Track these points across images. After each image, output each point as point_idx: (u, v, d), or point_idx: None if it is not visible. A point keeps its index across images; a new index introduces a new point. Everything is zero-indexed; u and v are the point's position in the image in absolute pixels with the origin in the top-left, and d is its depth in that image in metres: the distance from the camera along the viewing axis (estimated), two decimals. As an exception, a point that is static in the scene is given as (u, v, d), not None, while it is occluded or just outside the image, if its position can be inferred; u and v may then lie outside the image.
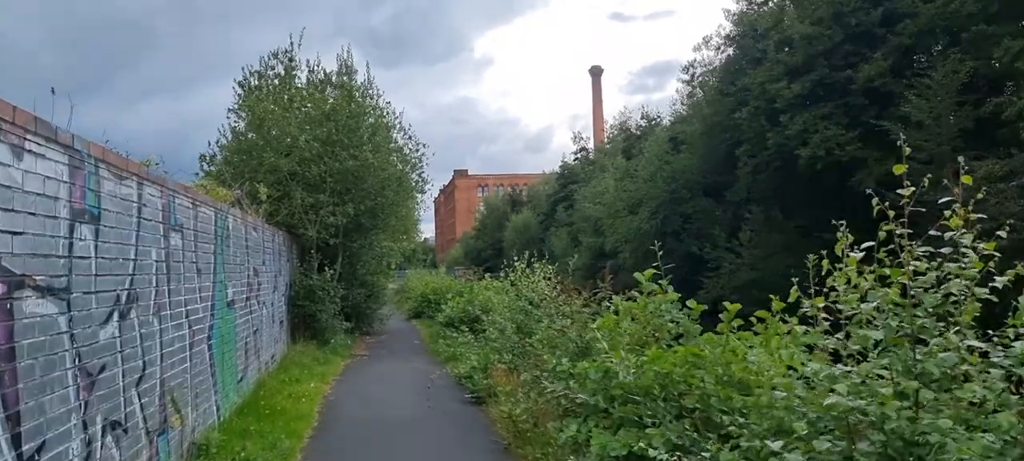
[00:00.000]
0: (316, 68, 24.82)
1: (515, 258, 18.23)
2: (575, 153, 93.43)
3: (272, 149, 21.14)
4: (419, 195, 27.14)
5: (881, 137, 36.05)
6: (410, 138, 26.14)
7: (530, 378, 13.13)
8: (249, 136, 22.59)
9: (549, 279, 17.64)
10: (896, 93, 33.20)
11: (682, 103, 58.28)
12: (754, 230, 40.93)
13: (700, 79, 55.97)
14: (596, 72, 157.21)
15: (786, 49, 37.95)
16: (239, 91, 22.96)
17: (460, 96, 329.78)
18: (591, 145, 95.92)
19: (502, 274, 18.30)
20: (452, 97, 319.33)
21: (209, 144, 22.70)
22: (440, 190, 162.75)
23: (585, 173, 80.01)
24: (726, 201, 45.33)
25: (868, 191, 5.77)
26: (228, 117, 22.57)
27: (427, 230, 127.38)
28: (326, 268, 22.10)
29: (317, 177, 21.47)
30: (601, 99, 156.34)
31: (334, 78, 24.63)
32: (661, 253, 9.96)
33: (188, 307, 9.29)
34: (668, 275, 9.35)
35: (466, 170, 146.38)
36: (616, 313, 10.26)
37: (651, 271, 9.94)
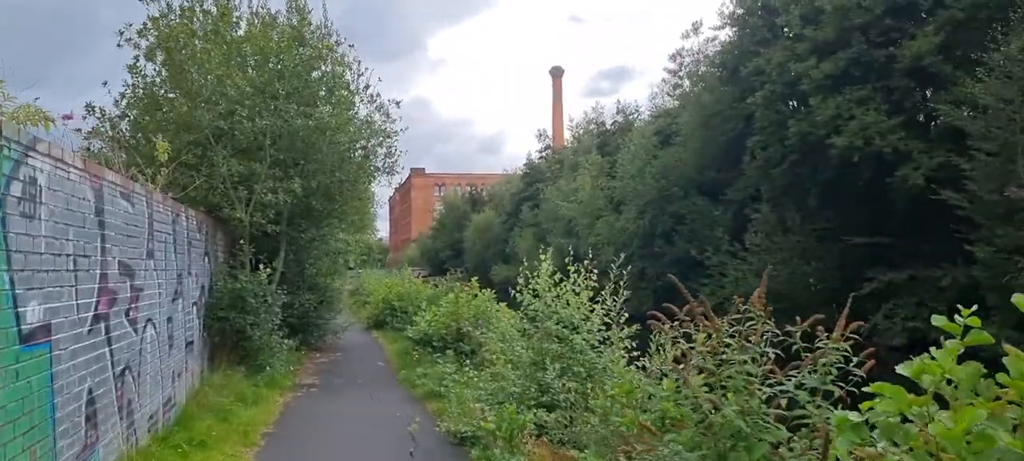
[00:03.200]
0: (260, 10, 18.20)
1: (541, 254, 12.26)
2: (541, 151, 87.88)
3: (186, 95, 14.71)
4: (387, 177, 20.59)
5: (928, 126, 30.78)
6: (378, 105, 19.58)
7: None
8: (163, 91, 16.08)
9: (595, 290, 11.64)
10: (946, 75, 27.88)
11: (668, 94, 52.73)
12: (763, 232, 35.32)
13: (688, 68, 50.53)
14: (557, 73, 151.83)
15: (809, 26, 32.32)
16: (147, 20, 16.10)
17: (414, 96, 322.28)
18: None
19: (517, 284, 12.21)
20: (405, 96, 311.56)
21: (112, 94, 15.89)
22: (395, 188, 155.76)
23: (552, 172, 74.35)
24: (726, 200, 39.75)
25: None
26: (120, 45, 15.69)
27: (380, 228, 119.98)
28: (263, 266, 15.68)
29: (251, 137, 15.03)
30: (561, 100, 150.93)
31: (281, 17, 18.11)
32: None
33: None
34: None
35: (423, 168, 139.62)
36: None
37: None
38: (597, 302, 11.43)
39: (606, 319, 11.21)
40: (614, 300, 10.81)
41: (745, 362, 5.95)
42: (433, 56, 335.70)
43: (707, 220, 40.44)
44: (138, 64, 15.50)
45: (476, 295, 18.91)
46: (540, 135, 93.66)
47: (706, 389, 6.01)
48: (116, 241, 8.00)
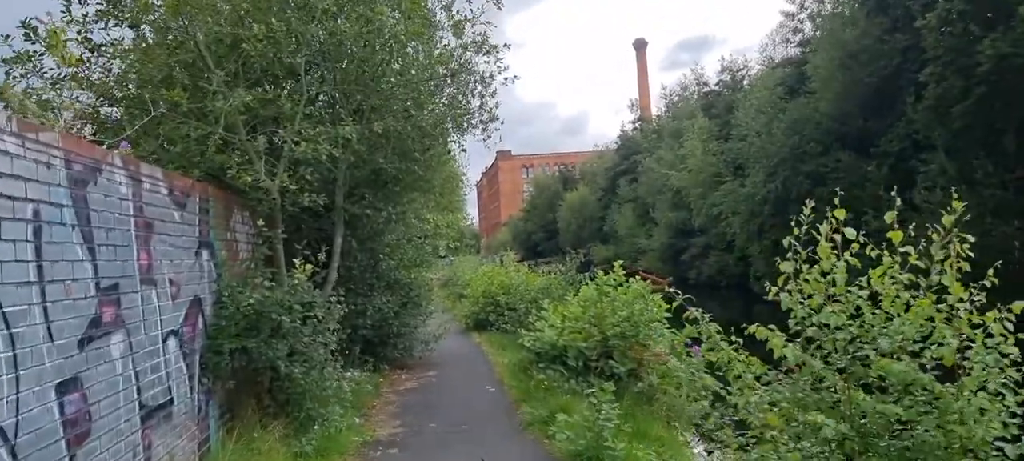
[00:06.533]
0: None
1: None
2: (634, 122, 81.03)
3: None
4: (482, 132, 14.22)
5: None
6: (475, 37, 13.25)
7: None
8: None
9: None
10: None
11: (788, 39, 45.27)
12: (940, 187, 27.90)
13: (810, 9, 43.03)
14: (640, 45, 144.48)
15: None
16: None
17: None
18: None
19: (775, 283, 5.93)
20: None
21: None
22: (482, 173, 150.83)
23: (649, 143, 67.48)
24: (879, 152, 32.34)
25: None
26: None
27: (470, 213, 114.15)
28: (298, 262, 9.68)
29: (271, 55, 9.04)
30: (646, 72, 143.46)
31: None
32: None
33: None
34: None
35: (509, 151, 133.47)
36: None
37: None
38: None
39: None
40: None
41: None
42: (511, 39, 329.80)
43: (855, 178, 33.07)
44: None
45: (620, 284, 12.57)
46: (632, 105, 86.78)
47: None
48: None
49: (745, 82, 52.36)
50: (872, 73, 31.89)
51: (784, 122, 36.68)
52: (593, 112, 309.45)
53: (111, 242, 5.83)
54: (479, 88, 13.53)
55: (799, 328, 5.68)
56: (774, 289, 5.75)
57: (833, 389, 5.36)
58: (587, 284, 13.40)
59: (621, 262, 13.33)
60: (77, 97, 9.43)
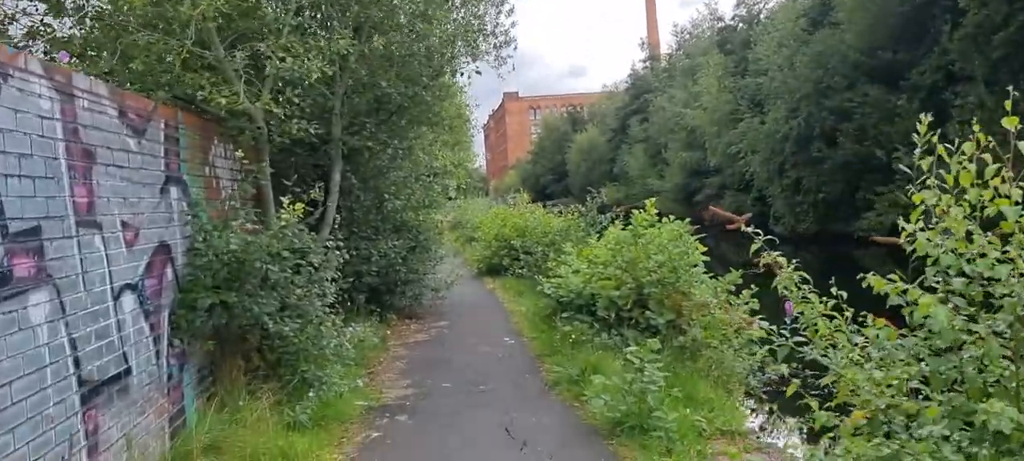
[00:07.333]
0: None
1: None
2: (645, 61, 78.84)
3: None
4: (495, 57, 12.70)
5: None
6: None
7: None
8: None
9: None
10: None
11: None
12: (979, 120, 26.22)
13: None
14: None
15: None
16: None
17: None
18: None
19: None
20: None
21: None
22: (489, 115, 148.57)
23: (660, 81, 65.51)
24: (910, 85, 30.54)
25: None
26: None
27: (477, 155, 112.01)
28: (298, 199, 8.24)
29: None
30: (655, 8, 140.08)
31: None
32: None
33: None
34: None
35: (517, 92, 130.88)
36: None
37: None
38: None
39: None
40: None
41: None
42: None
43: (883, 113, 31.32)
44: None
45: (653, 224, 11.11)
46: (642, 44, 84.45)
47: None
48: None
49: (763, 15, 50.17)
50: (904, 1, 29.96)
51: (807, 55, 34.82)
52: (600, 56, 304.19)
53: (26, 172, 4.40)
54: (492, 9, 12.05)
55: (937, 282, 4.24)
56: (908, 229, 4.30)
57: (996, 366, 3.93)
58: (615, 225, 11.94)
59: (653, 200, 11.86)
60: (23, 9, 7.94)
